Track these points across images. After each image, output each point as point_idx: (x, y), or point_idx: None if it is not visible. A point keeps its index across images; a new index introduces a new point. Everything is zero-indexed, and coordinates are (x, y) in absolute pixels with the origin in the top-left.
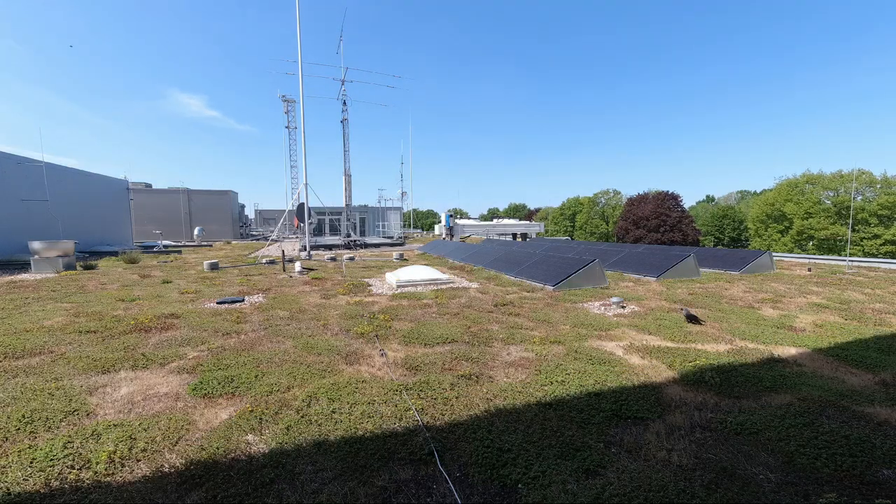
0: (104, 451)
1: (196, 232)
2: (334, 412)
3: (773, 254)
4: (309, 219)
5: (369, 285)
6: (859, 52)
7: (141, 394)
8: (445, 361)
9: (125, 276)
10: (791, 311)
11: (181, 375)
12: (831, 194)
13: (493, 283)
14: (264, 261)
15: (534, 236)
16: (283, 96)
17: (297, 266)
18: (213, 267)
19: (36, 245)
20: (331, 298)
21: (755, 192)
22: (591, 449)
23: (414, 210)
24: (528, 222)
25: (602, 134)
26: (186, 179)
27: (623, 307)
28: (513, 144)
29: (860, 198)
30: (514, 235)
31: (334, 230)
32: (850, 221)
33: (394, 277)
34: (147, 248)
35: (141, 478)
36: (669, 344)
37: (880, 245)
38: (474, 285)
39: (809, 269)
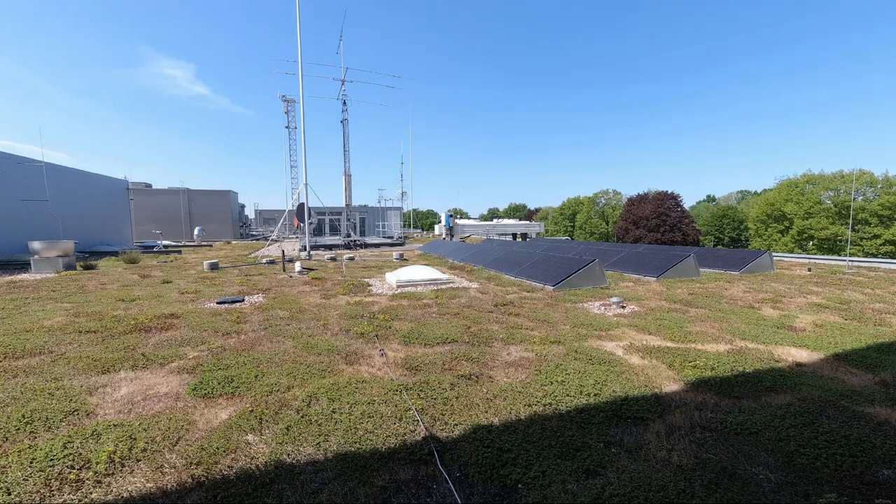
0: (104, 451)
1: (196, 232)
2: (334, 412)
3: (774, 254)
4: (309, 219)
5: (369, 285)
6: (860, 51)
7: (141, 394)
8: (445, 361)
9: (125, 276)
10: (791, 311)
11: (181, 375)
12: (832, 194)
13: (493, 283)
14: (264, 261)
15: (534, 236)
16: (283, 96)
17: (297, 266)
18: (213, 267)
19: (36, 245)
20: (331, 298)
21: (755, 192)
22: (591, 449)
23: (414, 210)
24: (528, 222)
25: (602, 134)
26: (186, 179)
27: (623, 307)
28: (513, 144)
29: (860, 198)
30: (514, 235)
31: (334, 230)
32: (851, 221)
33: (394, 277)
34: (147, 248)
35: (141, 478)
36: (669, 344)
37: (880, 245)
38: (474, 285)
39: (809, 269)
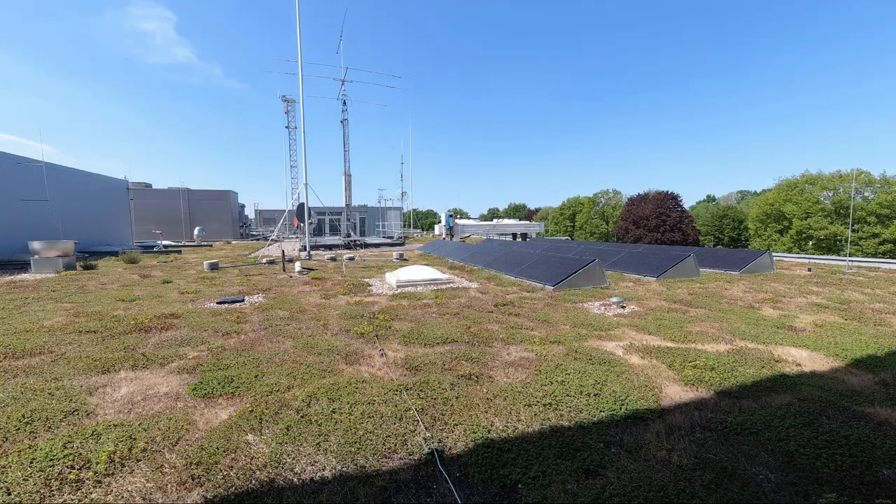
0: (104, 451)
1: (196, 232)
2: (334, 412)
3: (773, 254)
4: (309, 219)
5: (369, 285)
6: (860, 52)
7: (141, 394)
8: (445, 361)
9: (125, 276)
10: (791, 311)
11: (181, 375)
12: (830, 194)
13: (493, 283)
14: (264, 261)
15: (534, 236)
16: (283, 96)
17: (297, 266)
18: (213, 267)
19: (36, 245)
20: (331, 298)
21: (755, 192)
22: (591, 449)
23: (414, 210)
24: (528, 222)
25: (602, 134)
26: (186, 179)
27: (623, 307)
28: (513, 144)
29: (859, 197)
30: (514, 235)
31: (334, 230)
32: (850, 221)
33: (394, 277)
34: (147, 248)
35: (141, 478)
36: (669, 344)
37: (879, 244)
38: (474, 285)
39: (809, 269)
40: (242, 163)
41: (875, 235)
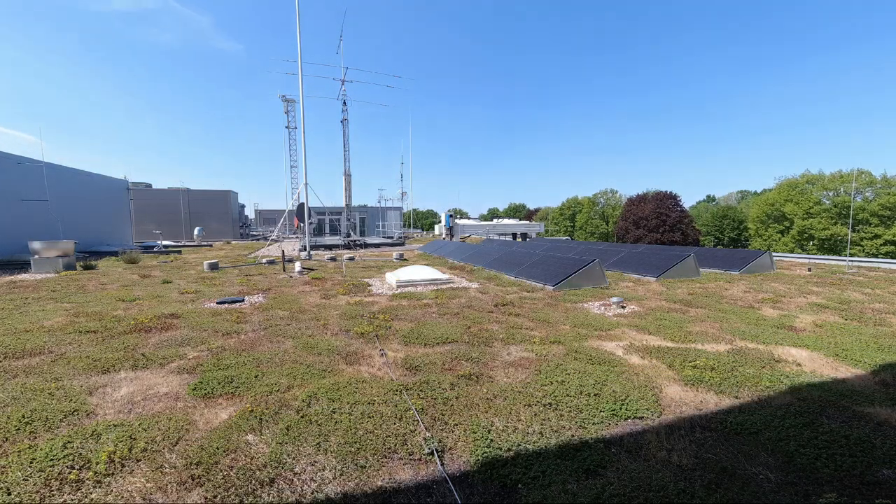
0: (104, 451)
1: (196, 232)
2: (334, 412)
3: (774, 254)
4: (309, 219)
5: (369, 285)
6: (860, 51)
7: (141, 394)
8: (445, 361)
9: (125, 276)
10: (791, 311)
11: (181, 375)
12: (831, 194)
13: (493, 283)
14: (264, 261)
15: (534, 236)
16: (283, 96)
17: (297, 266)
18: (213, 267)
19: (36, 245)
20: (331, 298)
21: (755, 192)
22: (591, 449)
23: (414, 210)
24: (528, 222)
25: (602, 134)
26: (186, 179)
27: (623, 307)
28: (513, 144)
29: (860, 198)
30: (514, 235)
31: (334, 230)
32: (850, 221)
33: (394, 277)
34: (147, 248)
35: (141, 478)
36: (669, 344)
37: (880, 245)
38: (474, 285)
39: (809, 269)
40: (242, 163)
41: (877, 236)
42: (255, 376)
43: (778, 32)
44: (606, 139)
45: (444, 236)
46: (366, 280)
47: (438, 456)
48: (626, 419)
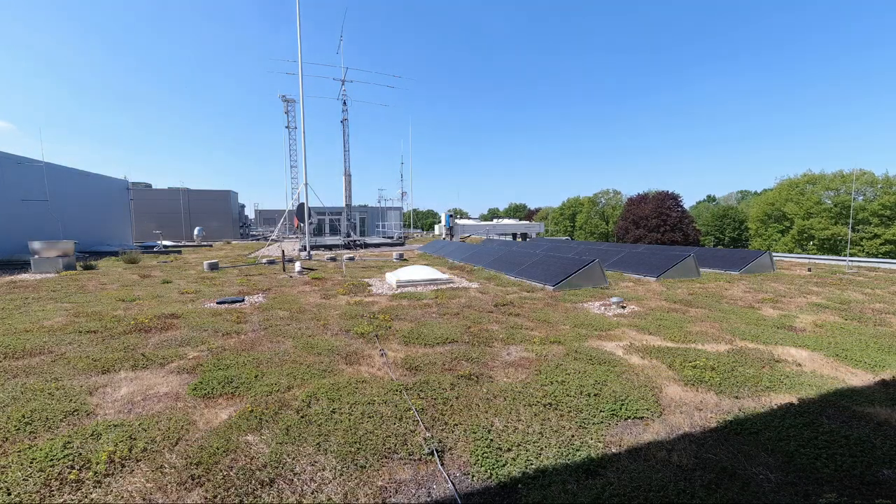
0: (104, 451)
1: (196, 232)
2: (334, 412)
3: (774, 254)
4: (309, 219)
5: (369, 285)
6: (861, 51)
7: (141, 394)
8: (445, 361)
9: (125, 276)
10: (791, 311)
11: (181, 375)
12: (832, 194)
13: (493, 283)
14: (264, 261)
15: (534, 236)
16: (283, 96)
17: (297, 266)
18: (213, 267)
19: (36, 245)
20: (331, 298)
21: (755, 192)
22: (591, 449)
23: (414, 210)
24: (528, 222)
25: (602, 134)
26: (186, 179)
27: (623, 307)
28: (513, 144)
29: (861, 198)
30: (514, 235)
31: (334, 230)
32: (851, 221)
33: (394, 277)
34: (147, 248)
35: (141, 478)
36: (669, 344)
37: (880, 245)
38: (474, 285)
39: (809, 270)
40: (242, 163)
41: (876, 236)
42: (255, 376)
43: (778, 33)
44: (607, 139)
45: (444, 236)
46: (366, 280)
47: (438, 456)
48: (626, 419)
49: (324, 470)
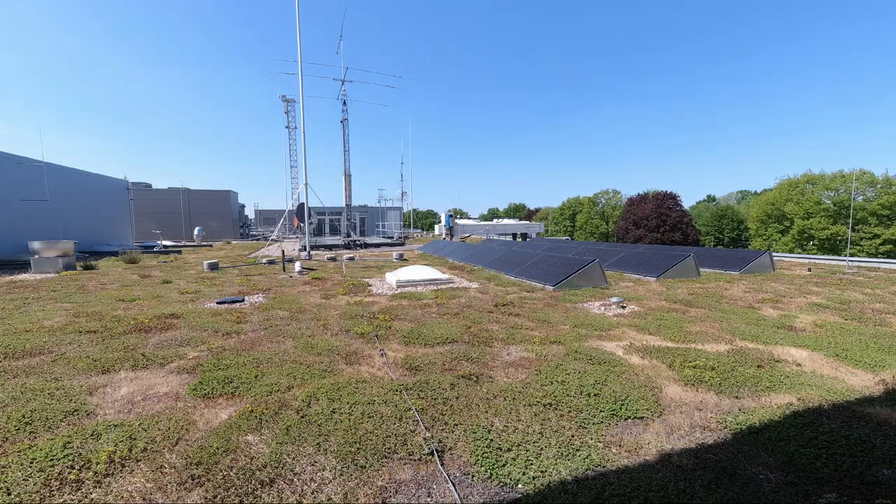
0: (104, 451)
1: (196, 232)
2: (334, 412)
3: (774, 254)
4: (309, 219)
5: (369, 285)
6: (861, 52)
7: (141, 394)
8: (445, 361)
9: (125, 276)
10: (791, 311)
11: (181, 375)
12: (832, 194)
13: (493, 283)
14: (264, 261)
15: (534, 236)
16: (283, 96)
17: (297, 266)
18: (213, 267)
19: (36, 245)
20: (331, 298)
21: (755, 192)
22: (591, 449)
23: (414, 210)
24: (528, 222)
25: (602, 134)
26: (186, 179)
27: (623, 307)
28: (513, 144)
29: (860, 198)
30: (514, 235)
31: (334, 230)
32: (851, 221)
33: (394, 277)
34: (147, 248)
35: (141, 478)
36: (669, 344)
37: (880, 245)
38: (474, 285)
39: (809, 269)
40: (242, 163)
41: (876, 236)
42: (255, 376)
43: (779, 33)
44: (607, 140)
45: (444, 236)
46: (366, 280)
47: (438, 456)
48: (626, 419)
49: (324, 470)
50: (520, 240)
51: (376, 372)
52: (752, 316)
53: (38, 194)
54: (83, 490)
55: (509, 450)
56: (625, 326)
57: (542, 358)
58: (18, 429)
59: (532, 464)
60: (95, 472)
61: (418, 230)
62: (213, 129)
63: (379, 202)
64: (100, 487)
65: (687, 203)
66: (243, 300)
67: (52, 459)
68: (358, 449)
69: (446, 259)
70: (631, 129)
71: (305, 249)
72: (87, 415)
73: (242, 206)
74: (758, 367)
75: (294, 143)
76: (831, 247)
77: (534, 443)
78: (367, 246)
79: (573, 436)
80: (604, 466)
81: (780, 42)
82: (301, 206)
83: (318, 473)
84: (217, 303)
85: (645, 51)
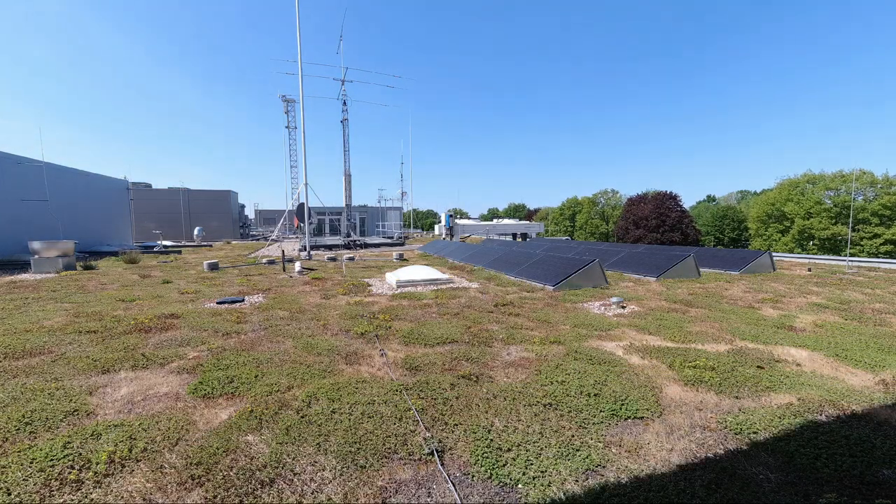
0: (104, 451)
1: (196, 232)
2: (334, 412)
3: (774, 254)
4: (309, 219)
5: (369, 285)
6: (861, 50)
7: (141, 394)
8: (445, 361)
9: (125, 276)
10: (791, 311)
11: (181, 375)
12: (832, 194)
13: (493, 283)
14: (264, 261)
15: (534, 236)
16: (283, 96)
17: (297, 266)
18: (213, 267)
19: (36, 245)
20: (331, 298)
21: (755, 192)
22: (591, 449)
23: (414, 210)
24: (528, 222)
25: (602, 134)
26: (186, 179)
27: (623, 307)
28: (512, 144)
29: (861, 198)
30: (514, 235)
31: (334, 230)
32: (851, 221)
33: (394, 277)
34: (147, 248)
35: (141, 478)
36: (669, 344)
37: (880, 245)
38: (474, 285)
39: (809, 270)
40: (242, 163)
41: (876, 236)
42: (255, 376)
43: (779, 33)
44: (607, 140)
45: (444, 236)
46: (366, 280)
47: (438, 456)
48: (626, 419)
49: (324, 470)
50: (520, 240)
51: (376, 372)
52: (752, 316)
53: (38, 194)
54: (83, 490)
55: (509, 450)
56: (625, 326)
57: (542, 358)
58: (18, 429)
59: (532, 464)
60: (95, 473)
61: (418, 230)
62: (213, 129)
63: (379, 202)
64: (100, 487)
65: (687, 203)
66: (243, 300)
67: (52, 459)
68: (358, 449)
69: (446, 259)
70: (631, 129)
71: (305, 249)
72: (87, 415)
73: (242, 206)
74: (758, 367)
75: (294, 143)
76: (831, 247)
77: (534, 443)
78: (367, 246)
79: (573, 436)
80: (604, 466)
81: (781, 42)
82: (301, 206)
83: (318, 473)
84: (217, 303)
85: (645, 51)
